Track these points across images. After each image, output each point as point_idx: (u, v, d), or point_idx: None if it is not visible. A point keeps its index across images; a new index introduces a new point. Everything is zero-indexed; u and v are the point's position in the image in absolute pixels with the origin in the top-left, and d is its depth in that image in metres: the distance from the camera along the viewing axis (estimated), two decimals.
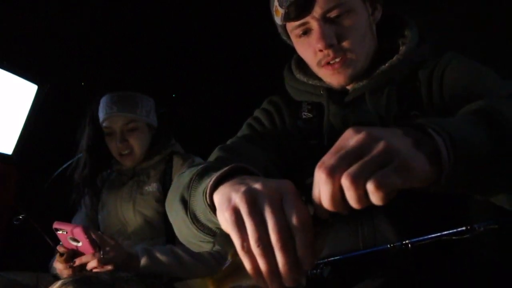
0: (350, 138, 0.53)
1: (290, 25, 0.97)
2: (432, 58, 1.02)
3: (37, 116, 1.97)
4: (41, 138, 2.03)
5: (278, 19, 0.97)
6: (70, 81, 2.07)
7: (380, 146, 0.50)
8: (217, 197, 0.62)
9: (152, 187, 1.70)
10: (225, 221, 0.56)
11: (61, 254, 1.38)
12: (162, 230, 1.64)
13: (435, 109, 0.95)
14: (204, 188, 0.66)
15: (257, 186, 0.55)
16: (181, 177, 0.83)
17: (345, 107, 1.01)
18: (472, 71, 0.94)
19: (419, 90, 0.98)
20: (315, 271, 0.83)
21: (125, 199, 1.71)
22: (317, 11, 0.91)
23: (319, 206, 0.53)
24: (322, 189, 0.51)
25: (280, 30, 1.04)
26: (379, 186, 0.48)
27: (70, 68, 2.05)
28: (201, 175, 0.73)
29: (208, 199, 0.65)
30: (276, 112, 1.09)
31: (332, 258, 0.81)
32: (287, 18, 0.93)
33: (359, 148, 0.51)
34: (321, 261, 0.84)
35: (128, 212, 1.68)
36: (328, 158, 0.52)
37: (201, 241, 0.76)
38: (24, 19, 1.80)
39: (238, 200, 0.55)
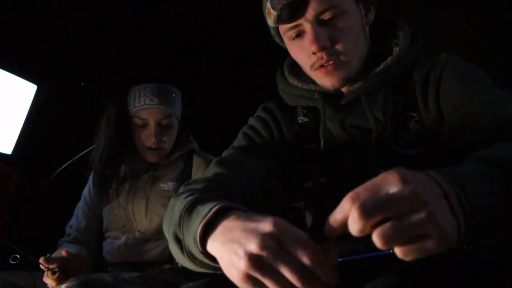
0: (393, 185, 0.51)
1: (283, 28, 0.96)
2: (426, 58, 1.01)
3: (37, 116, 1.97)
4: (40, 138, 2.03)
5: (270, 22, 0.96)
6: (69, 81, 2.07)
7: (423, 215, 0.49)
8: (214, 251, 0.63)
9: (168, 186, 1.65)
10: (240, 284, 0.57)
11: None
12: None
13: (430, 111, 0.95)
14: (194, 236, 0.66)
15: (254, 244, 0.55)
16: (174, 206, 0.80)
17: (341, 111, 1.00)
18: (468, 78, 0.93)
19: (414, 90, 0.97)
20: None
21: (139, 194, 1.65)
22: (310, 13, 0.90)
23: (332, 227, 0.53)
24: (351, 224, 0.50)
25: (273, 32, 1.03)
26: (409, 254, 0.49)
27: (70, 68, 2.05)
28: (190, 212, 0.72)
29: (200, 247, 0.65)
30: (271, 119, 1.07)
31: None
32: (280, 20, 0.92)
33: (400, 203, 0.49)
34: None
35: (139, 210, 1.63)
36: (364, 195, 0.51)
37: (203, 270, 0.76)
38: (24, 19, 1.80)
39: (245, 267, 0.55)
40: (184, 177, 1.66)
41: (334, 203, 0.99)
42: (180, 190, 0.88)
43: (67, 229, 1.70)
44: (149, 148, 1.64)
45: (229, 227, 0.61)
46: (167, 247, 1.56)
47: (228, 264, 0.59)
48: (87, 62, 2.08)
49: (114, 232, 1.65)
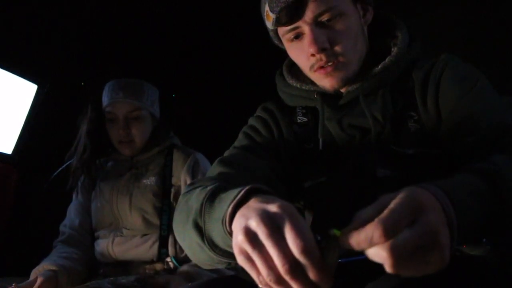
0: (415, 216, 0.53)
1: (282, 30, 0.96)
2: (425, 58, 1.01)
3: (37, 116, 1.97)
4: (41, 138, 2.03)
5: (269, 24, 0.95)
6: (70, 81, 2.07)
7: (436, 250, 0.52)
8: (233, 228, 0.63)
9: (150, 180, 1.66)
10: (237, 257, 0.58)
11: None
12: (156, 226, 1.61)
13: (429, 110, 0.95)
14: (223, 217, 0.67)
15: (253, 220, 0.56)
16: (189, 199, 0.81)
17: (340, 111, 1.00)
18: (468, 80, 0.93)
19: (413, 90, 0.98)
20: None
21: (122, 191, 1.66)
22: (308, 15, 0.90)
23: (351, 245, 0.53)
24: (376, 256, 0.51)
25: (271, 34, 1.03)
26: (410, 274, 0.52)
27: (70, 68, 2.05)
28: (212, 200, 0.73)
29: (228, 228, 0.66)
30: (271, 119, 1.08)
31: None
32: (278, 23, 0.92)
33: (421, 242, 0.51)
34: None
35: (123, 205, 1.64)
36: (392, 229, 0.51)
37: (217, 263, 0.77)
38: (24, 19, 1.80)
39: (239, 240, 0.57)
40: (165, 171, 1.68)
41: (334, 203, 0.99)
42: (187, 189, 0.88)
43: (61, 228, 1.71)
44: (120, 142, 1.67)
45: (248, 205, 0.62)
46: (154, 243, 1.59)
47: (233, 238, 0.60)
48: (87, 62, 2.08)
49: (102, 232, 1.67)
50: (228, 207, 0.66)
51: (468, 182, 0.65)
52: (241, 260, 0.57)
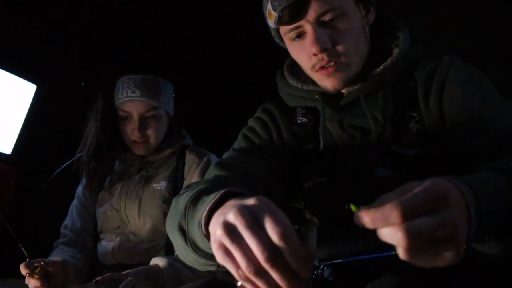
0: (438, 205, 0.52)
1: (284, 29, 0.96)
2: (426, 59, 1.01)
3: (36, 116, 1.97)
4: (40, 138, 2.03)
5: (271, 23, 0.96)
6: (69, 81, 2.07)
7: (452, 242, 0.52)
8: (210, 229, 0.64)
9: (160, 185, 1.60)
10: (215, 253, 0.58)
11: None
12: (163, 233, 1.54)
13: (431, 111, 0.95)
14: (199, 220, 0.67)
15: (231, 213, 0.57)
16: (178, 202, 0.82)
17: (340, 111, 1.00)
18: (473, 82, 0.94)
19: (415, 90, 0.98)
20: (315, 272, 0.83)
21: (131, 196, 1.60)
22: (311, 14, 0.90)
23: (365, 221, 0.53)
24: (389, 237, 0.51)
25: (273, 33, 1.03)
26: (423, 264, 0.52)
27: (69, 68, 2.05)
28: (195, 202, 0.73)
29: (204, 230, 0.66)
30: (271, 120, 1.08)
31: (334, 261, 0.81)
32: (281, 21, 0.92)
33: (440, 230, 0.51)
34: (322, 263, 0.85)
35: (132, 212, 1.58)
36: (411, 213, 0.51)
37: (205, 265, 0.77)
38: (24, 19, 1.80)
39: (218, 234, 0.57)
40: (176, 175, 1.62)
41: (334, 203, 0.99)
42: (181, 192, 0.89)
43: (62, 230, 1.67)
44: (135, 141, 1.61)
45: (225, 206, 0.63)
46: (160, 250, 1.54)
47: (211, 235, 0.60)
48: (86, 62, 2.08)
49: (108, 234, 1.62)
50: (205, 210, 0.66)
51: (491, 180, 0.65)
52: (219, 256, 0.57)
